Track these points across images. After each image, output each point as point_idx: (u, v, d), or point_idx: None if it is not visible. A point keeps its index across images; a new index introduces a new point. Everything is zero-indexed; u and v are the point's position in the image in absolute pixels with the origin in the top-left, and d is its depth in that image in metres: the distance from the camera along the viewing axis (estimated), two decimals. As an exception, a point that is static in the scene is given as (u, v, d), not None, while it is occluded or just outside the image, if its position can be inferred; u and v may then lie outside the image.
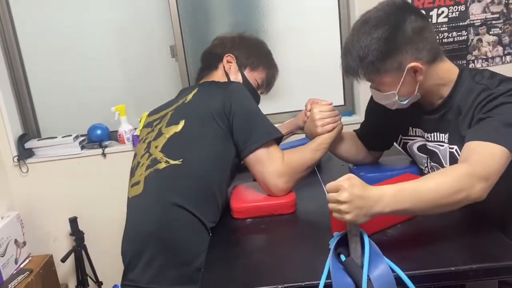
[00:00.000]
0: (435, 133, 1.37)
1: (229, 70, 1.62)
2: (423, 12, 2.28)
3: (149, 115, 1.63)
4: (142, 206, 1.41)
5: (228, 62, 1.63)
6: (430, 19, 2.34)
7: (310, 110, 1.54)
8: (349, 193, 0.98)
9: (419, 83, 1.27)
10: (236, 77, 1.62)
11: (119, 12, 2.48)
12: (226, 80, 1.60)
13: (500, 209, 1.26)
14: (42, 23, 2.47)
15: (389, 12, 1.24)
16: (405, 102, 1.31)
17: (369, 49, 1.22)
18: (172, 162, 1.40)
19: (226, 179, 1.44)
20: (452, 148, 1.30)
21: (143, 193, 1.42)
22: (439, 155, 1.36)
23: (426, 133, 1.40)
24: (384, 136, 1.58)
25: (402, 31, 1.21)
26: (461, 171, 1.08)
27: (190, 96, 1.50)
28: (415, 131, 1.46)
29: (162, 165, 1.40)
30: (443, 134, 1.34)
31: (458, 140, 1.25)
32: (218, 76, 1.62)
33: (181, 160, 1.39)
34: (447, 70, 1.31)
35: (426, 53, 1.24)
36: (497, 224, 1.17)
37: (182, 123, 1.44)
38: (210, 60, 1.66)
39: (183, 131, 1.43)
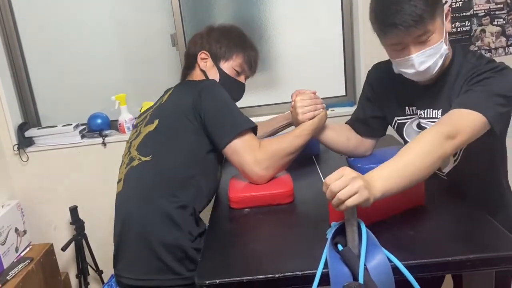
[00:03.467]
0: (428, 110, 1.39)
1: (205, 68, 1.62)
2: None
3: (138, 117, 1.69)
4: (123, 202, 1.49)
5: (203, 59, 1.62)
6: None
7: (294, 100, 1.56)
8: (354, 171, 1.00)
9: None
10: (213, 72, 1.62)
11: (120, 0, 2.46)
12: (204, 78, 1.62)
13: (481, 186, 1.35)
14: (42, 11, 2.46)
15: None
16: (443, 57, 1.29)
17: None
18: (143, 158, 1.46)
19: (205, 170, 1.48)
20: None
21: (123, 189, 1.50)
22: None
23: (419, 110, 1.42)
24: (378, 122, 1.60)
25: None
26: (430, 133, 1.13)
27: (166, 97, 1.57)
28: (412, 110, 1.47)
29: (136, 162, 1.47)
30: (436, 110, 1.37)
31: None
32: (197, 75, 1.64)
33: (150, 156, 1.45)
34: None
35: None
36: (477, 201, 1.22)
37: (156, 122, 1.49)
38: (188, 60, 1.67)
39: (156, 129, 1.48)
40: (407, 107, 1.48)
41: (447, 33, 1.29)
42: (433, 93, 1.37)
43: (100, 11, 2.47)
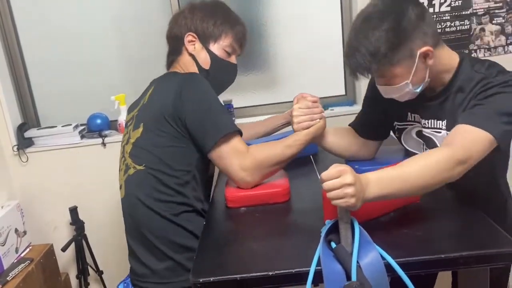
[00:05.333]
0: (432, 120, 1.37)
1: (193, 51, 1.53)
2: (426, 0, 2.28)
3: (128, 111, 1.63)
4: (128, 209, 1.50)
5: (190, 42, 1.53)
6: (433, 8, 2.32)
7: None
8: (353, 175, 0.99)
9: (429, 67, 1.27)
10: (203, 55, 1.53)
11: (119, 0, 2.47)
12: (194, 63, 1.54)
13: (483, 188, 1.35)
14: (41, 11, 2.46)
15: (388, 4, 1.25)
16: (418, 90, 1.30)
17: (379, 42, 1.20)
18: (138, 167, 1.44)
19: (198, 171, 1.45)
20: None
21: (126, 197, 1.50)
22: (436, 142, 1.36)
23: (423, 120, 1.40)
24: (383, 124, 1.56)
25: (407, 18, 1.21)
26: (442, 155, 1.12)
27: (147, 97, 1.50)
28: (414, 117, 1.45)
29: (132, 171, 1.46)
30: (441, 121, 1.35)
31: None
32: (185, 61, 1.55)
33: (143, 165, 1.43)
34: (449, 57, 1.33)
35: (431, 36, 1.25)
36: (479, 202, 1.22)
37: (141, 128, 1.45)
38: (173, 44, 1.57)
39: (143, 136, 1.44)
40: (409, 113, 1.46)
41: (425, 72, 1.27)
42: (438, 103, 1.35)
43: (99, 11, 2.47)
